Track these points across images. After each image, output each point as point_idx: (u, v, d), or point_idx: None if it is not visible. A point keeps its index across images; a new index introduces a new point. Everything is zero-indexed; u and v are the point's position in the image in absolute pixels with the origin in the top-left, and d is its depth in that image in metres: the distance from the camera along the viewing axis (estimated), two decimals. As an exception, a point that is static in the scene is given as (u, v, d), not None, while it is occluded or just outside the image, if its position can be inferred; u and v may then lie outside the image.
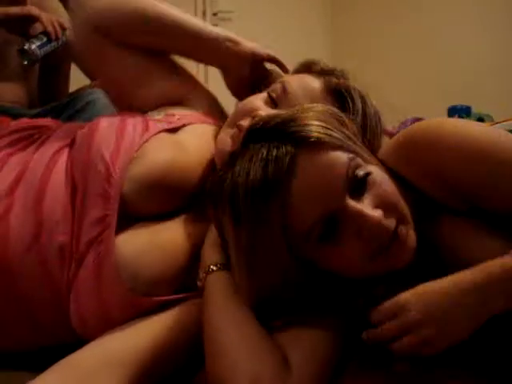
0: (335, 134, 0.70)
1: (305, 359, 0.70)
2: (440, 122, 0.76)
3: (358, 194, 0.69)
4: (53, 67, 1.97)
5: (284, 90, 0.90)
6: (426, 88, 3.46)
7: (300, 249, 0.70)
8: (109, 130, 0.87)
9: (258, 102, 0.91)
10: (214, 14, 3.38)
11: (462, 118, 2.75)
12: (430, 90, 3.43)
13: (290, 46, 3.68)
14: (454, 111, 2.86)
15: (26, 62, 1.67)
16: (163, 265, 0.82)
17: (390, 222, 0.69)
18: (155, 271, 0.81)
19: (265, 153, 0.68)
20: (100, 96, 1.70)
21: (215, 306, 0.73)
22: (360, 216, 0.68)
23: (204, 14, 3.35)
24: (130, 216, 0.84)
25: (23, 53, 1.65)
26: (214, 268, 0.77)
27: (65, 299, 0.79)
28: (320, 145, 0.68)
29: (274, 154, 0.67)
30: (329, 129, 0.70)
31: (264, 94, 0.93)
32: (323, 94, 0.90)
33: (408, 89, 3.46)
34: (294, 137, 0.68)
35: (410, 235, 0.71)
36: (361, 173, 0.69)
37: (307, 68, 0.97)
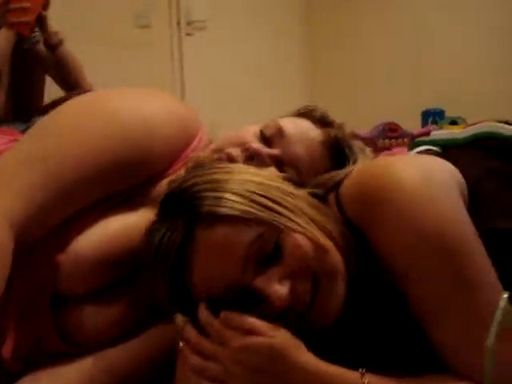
0: (245, 207, 0.67)
1: None
2: (383, 174, 0.70)
3: (265, 267, 0.68)
4: (24, 80, 1.96)
5: (280, 132, 0.89)
6: (400, 92, 3.50)
7: None
8: None
9: (250, 138, 0.90)
10: (189, 24, 3.39)
11: (436, 121, 2.80)
12: (404, 93, 3.47)
13: (265, 54, 3.73)
14: (427, 115, 2.91)
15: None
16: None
17: (304, 289, 0.68)
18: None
19: (164, 230, 0.69)
20: None
21: None
22: (263, 294, 0.67)
23: (178, 23, 3.35)
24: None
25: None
26: None
27: None
28: (219, 220, 0.67)
29: (169, 234, 0.68)
30: (245, 199, 0.68)
31: (255, 129, 0.91)
32: (321, 145, 0.90)
33: (382, 92, 3.51)
34: (195, 211, 0.68)
35: (335, 290, 0.69)
36: (269, 248, 0.68)
37: (306, 113, 0.95)
